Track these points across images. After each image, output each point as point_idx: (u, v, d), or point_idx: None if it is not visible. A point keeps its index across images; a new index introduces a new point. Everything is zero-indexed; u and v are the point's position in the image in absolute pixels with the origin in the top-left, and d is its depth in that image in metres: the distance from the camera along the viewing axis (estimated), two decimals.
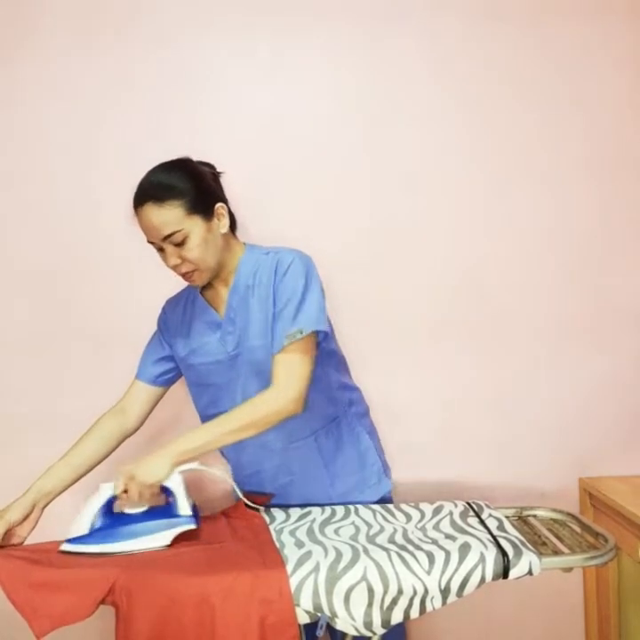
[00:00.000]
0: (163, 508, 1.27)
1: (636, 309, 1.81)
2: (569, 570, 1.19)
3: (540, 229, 1.80)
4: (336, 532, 1.25)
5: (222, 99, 1.76)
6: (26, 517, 1.28)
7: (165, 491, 1.26)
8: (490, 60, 1.78)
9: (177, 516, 1.25)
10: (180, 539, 1.23)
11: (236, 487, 1.35)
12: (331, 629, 1.13)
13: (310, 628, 1.14)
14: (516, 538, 1.20)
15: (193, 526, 1.24)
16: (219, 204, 1.33)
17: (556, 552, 1.20)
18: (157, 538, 1.22)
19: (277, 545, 1.19)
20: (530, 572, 1.13)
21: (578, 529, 1.34)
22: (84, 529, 1.21)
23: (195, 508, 1.28)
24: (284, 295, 1.30)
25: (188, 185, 1.27)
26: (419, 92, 1.77)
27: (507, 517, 1.36)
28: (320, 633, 1.10)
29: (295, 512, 1.37)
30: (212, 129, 1.74)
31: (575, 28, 1.78)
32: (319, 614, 1.09)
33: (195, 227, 1.27)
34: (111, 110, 1.74)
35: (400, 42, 1.76)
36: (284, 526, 1.29)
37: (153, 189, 1.26)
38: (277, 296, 1.31)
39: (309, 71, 1.77)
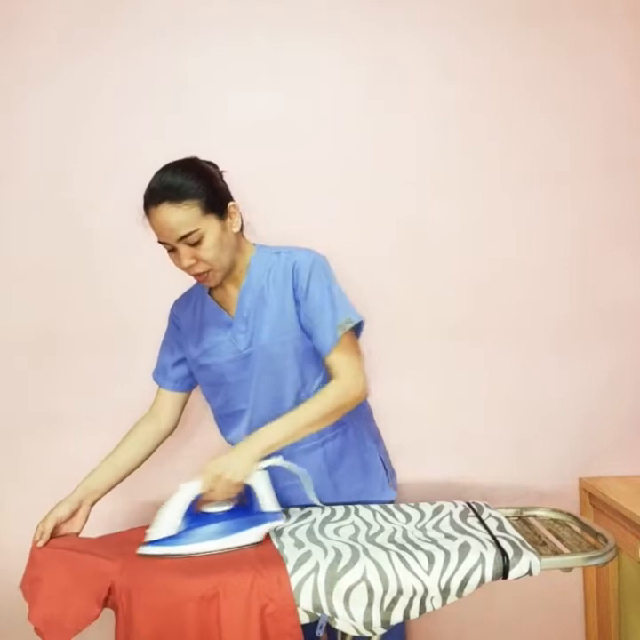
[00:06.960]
0: (247, 505, 1.24)
1: (638, 310, 1.81)
2: (569, 570, 1.19)
3: (548, 231, 1.79)
4: (336, 532, 1.25)
5: (222, 100, 1.76)
6: (74, 514, 1.29)
7: (246, 487, 1.23)
8: (494, 60, 1.78)
9: (263, 512, 1.22)
10: None
11: (310, 488, 1.29)
12: (331, 629, 1.13)
13: (310, 628, 1.14)
14: (516, 538, 1.19)
15: (281, 522, 1.24)
16: (231, 203, 1.32)
17: (556, 552, 1.20)
18: (246, 535, 1.19)
19: (277, 545, 1.19)
20: (530, 573, 1.13)
21: (578, 529, 1.34)
22: (170, 530, 1.17)
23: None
24: (316, 295, 1.30)
25: (203, 184, 1.27)
26: (421, 92, 1.77)
27: (507, 517, 1.36)
28: (320, 633, 1.10)
29: (295, 512, 1.37)
30: (213, 130, 1.74)
31: (582, 27, 1.78)
32: (319, 614, 1.09)
33: (210, 226, 1.27)
34: (113, 111, 1.74)
35: (406, 42, 1.76)
36: (283, 527, 1.29)
37: (168, 190, 1.24)
38: (307, 297, 1.31)
39: (310, 72, 1.77)
